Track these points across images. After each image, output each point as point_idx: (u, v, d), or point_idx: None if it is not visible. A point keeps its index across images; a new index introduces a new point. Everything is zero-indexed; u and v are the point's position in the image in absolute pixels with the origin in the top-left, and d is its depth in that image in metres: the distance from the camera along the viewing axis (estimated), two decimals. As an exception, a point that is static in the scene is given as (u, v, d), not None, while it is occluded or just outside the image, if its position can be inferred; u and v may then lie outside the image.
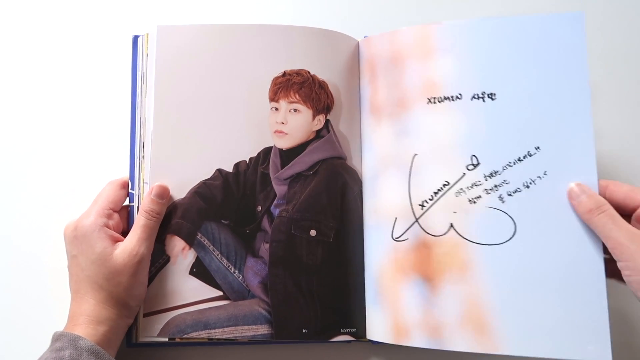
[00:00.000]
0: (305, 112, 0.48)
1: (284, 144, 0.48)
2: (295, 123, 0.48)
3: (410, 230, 0.46)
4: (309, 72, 0.48)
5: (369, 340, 0.47)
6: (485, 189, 0.44)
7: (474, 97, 0.45)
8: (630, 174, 0.52)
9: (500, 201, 0.44)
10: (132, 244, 0.43)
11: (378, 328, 0.46)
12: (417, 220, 0.46)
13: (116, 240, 0.44)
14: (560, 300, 0.42)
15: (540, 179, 0.44)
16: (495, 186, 0.44)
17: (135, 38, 0.49)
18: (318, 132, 0.49)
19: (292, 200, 0.48)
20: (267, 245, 0.47)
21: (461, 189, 0.45)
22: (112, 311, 0.42)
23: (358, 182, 0.49)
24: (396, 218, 0.46)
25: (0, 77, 0.55)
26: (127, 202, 0.47)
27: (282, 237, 0.47)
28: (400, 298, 0.45)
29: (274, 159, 0.48)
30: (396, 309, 0.45)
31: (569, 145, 0.43)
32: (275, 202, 0.48)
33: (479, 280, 0.43)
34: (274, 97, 0.48)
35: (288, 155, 0.48)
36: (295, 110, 0.48)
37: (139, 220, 0.44)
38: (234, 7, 0.57)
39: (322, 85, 0.48)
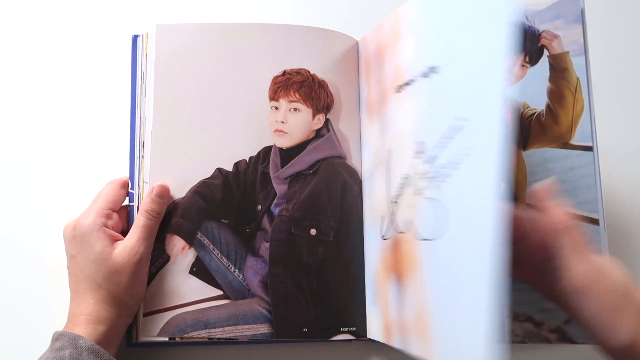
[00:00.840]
0: (305, 111, 0.48)
1: (284, 143, 0.48)
2: (295, 122, 0.48)
3: (390, 228, 0.44)
4: (308, 71, 0.48)
5: (370, 339, 0.47)
6: (429, 177, 0.39)
7: (422, 75, 0.40)
8: (630, 174, 0.52)
9: (439, 190, 0.38)
10: (131, 244, 0.43)
11: (375, 327, 0.46)
12: (393, 217, 0.44)
13: (115, 240, 0.44)
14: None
15: (467, 156, 0.36)
16: (435, 172, 0.38)
17: (135, 38, 0.49)
18: (318, 131, 0.49)
19: (292, 199, 0.48)
20: (267, 245, 0.47)
21: (411, 180, 0.41)
22: (112, 310, 0.42)
23: (358, 181, 0.49)
24: (382, 216, 0.45)
25: (0, 76, 0.55)
26: (127, 202, 0.47)
27: (282, 236, 0.47)
28: (387, 297, 0.44)
29: (274, 158, 0.48)
30: (385, 309, 0.44)
31: (489, 117, 0.34)
32: (275, 201, 0.48)
33: (421, 280, 0.39)
34: (274, 96, 0.48)
35: (288, 155, 0.48)
36: (295, 109, 0.48)
37: (139, 220, 0.44)
38: (233, 6, 0.57)
39: (322, 85, 0.49)
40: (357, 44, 0.51)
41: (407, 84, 0.42)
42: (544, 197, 0.38)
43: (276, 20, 0.55)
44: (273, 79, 0.48)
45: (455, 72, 0.38)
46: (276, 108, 0.48)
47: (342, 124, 0.49)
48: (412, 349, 0.40)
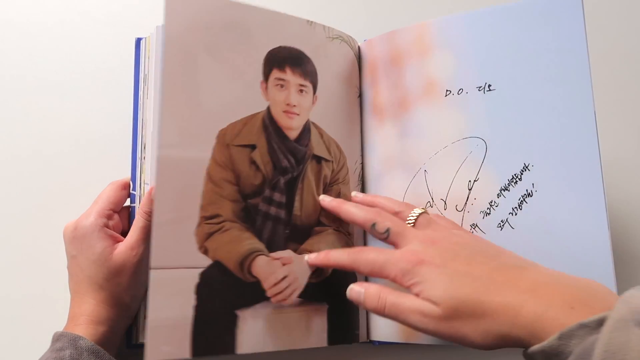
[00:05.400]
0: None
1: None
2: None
3: None
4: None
5: (370, 341, 0.47)
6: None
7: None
8: (631, 175, 0.52)
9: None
10: (131, 244, 0.43)
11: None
12: None
13: (116, 241, 0.44)
14: None
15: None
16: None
17: (138, 40, 0.50)
18: None
19: None
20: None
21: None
22: (112, 311, 0.42)
23: None
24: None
25: (4, 78, 0.55)
26: (128, 203, 0.47)
27: None
28: None
29: None
30: None
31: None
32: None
33: None
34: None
35: None
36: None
37: (138, 221, 0.44)
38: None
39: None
40: (358, 48, 0.51)
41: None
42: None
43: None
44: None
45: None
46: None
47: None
48: None
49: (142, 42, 0.49)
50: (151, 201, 0.44)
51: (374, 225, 0.41)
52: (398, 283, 0.37)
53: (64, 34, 0.56)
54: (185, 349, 0.38)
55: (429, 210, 0.46)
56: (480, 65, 0.46)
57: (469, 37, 0.46)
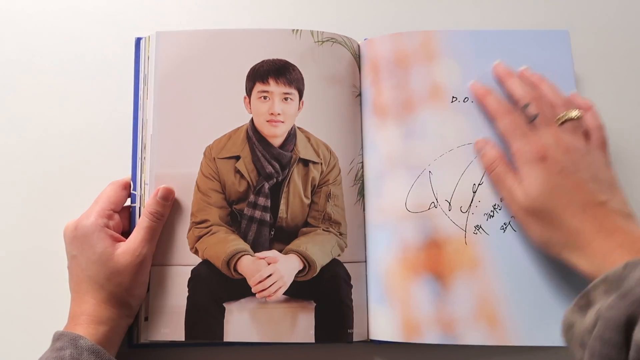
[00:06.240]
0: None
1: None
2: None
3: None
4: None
5: (371, 341, 0.47)
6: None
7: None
8: (630, 176, 0.52)
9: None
10: (135, 245, 0.43)
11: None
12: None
13: (117, 241, 0.44)
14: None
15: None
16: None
17: (138, 40, 0.50)
18: None
19: None
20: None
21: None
22: (113, 311, 0.42)
23: None
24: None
25: (4, 78, 0.55)
26: (128, 203, 0.47)
27: None
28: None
29: None
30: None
31: None
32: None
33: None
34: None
35: None
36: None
37: (143, 222, 0.44)
38: (233, 9, 0.58)
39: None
40: (358, 46, 0.51)
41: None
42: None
43: (275, 24, 0.56)
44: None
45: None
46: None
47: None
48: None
49: (142, 42, 0.49)
50: (157, 202, 0.44)
51: (526, 105, 0.44)
52: (513, 157, 0.43)
53: (64, 34, 0.56)
54: (181, 333, 0.45)
55: (433, 210, 0.47)
56: (484, 79, 0.49)
57: (474, 52, 0.50)
